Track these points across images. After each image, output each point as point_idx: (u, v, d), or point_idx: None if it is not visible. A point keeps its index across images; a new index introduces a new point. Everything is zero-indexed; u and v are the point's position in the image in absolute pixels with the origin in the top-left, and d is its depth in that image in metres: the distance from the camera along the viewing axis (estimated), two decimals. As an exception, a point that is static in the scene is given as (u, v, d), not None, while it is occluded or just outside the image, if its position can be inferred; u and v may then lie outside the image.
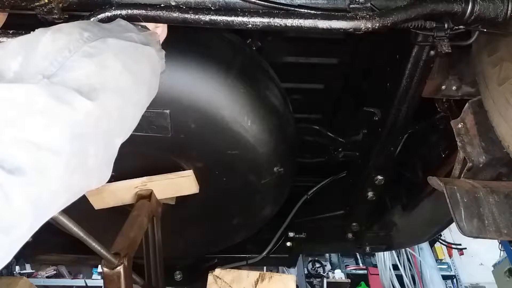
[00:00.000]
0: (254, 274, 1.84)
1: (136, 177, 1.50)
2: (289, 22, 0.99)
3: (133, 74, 0.86)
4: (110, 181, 1.49)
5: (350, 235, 2.16)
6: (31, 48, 0.75)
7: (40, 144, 0.65)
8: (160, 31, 1.09)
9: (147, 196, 1.49)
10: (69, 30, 0.81)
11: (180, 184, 1.49)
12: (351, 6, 1.02)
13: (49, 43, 0.76)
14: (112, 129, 0.80)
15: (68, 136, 0.68)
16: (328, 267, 4.94)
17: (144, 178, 1.50)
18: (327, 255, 4.97)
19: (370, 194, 1.84)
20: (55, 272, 4.77)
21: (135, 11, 1.00)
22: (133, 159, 1.41)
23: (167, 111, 1.27)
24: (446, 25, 1.11)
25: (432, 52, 1.25)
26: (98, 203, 1.54)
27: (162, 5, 1.01)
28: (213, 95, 1.29)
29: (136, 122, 0.91)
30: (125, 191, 1.51)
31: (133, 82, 0.86)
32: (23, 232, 0.63)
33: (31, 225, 0.65)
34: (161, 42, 1.07)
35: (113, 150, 0.83)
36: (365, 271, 4.96)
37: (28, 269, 4.68)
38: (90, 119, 0.73)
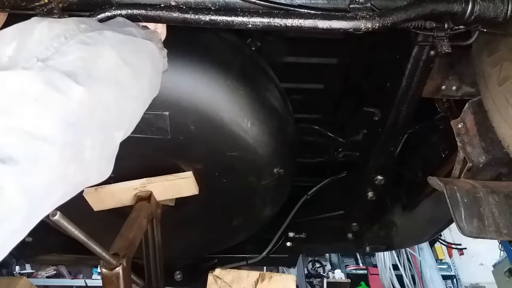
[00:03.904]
0: (254, 274, 1.84)
1: (135, 179, 1.50)
2: (289, 22, 0.99)
3: (132, 67, 0.85)
4: (109, 182, 1.50)
5: (350, 235, 2.16)
6: (26, 34, 0.75)
7: (34, 133, 0.64)
8: (160, 31, 1.09)
9: (147, 197, 1.48)
10: (66, 21, 0.81)
11: (179, 185, 1.48)
12: (351, 6, 1.02)
13: (45, 30, 0.76)
14: (110, 122, 0.79)
15: (62, 124, 0.67)
16: (328, 267, 4.94)
17: (144, 180, 1.49)
18: (327, 255, 4.97)
19: (370, 194, 1.83)
20: (55, 272, 4.78)
21: (135, 11, 0.99)
22: (132, 161, 1.41)
23: (166, 113, 1.27)
24: (446, 25, 1.11)
25: (432, 52, 1.24)
26: (97, 205, 1.54)
27: (162, 5, 1.01)
28: (213, 96, 1.29)
29: (137, 117, 0.91)
30: (124, 193, 1.50)
31: (132, 75, 0.85)
32: (16, 224, 0.62)
33: (26, 217, 0.63)
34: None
35: (113, 144, 0.82)
36: (365, 271, 4.96)
37: (28, 269, 4.68)
38: (84, 107, 0.72)
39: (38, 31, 0.75)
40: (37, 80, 0.67)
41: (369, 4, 1.02)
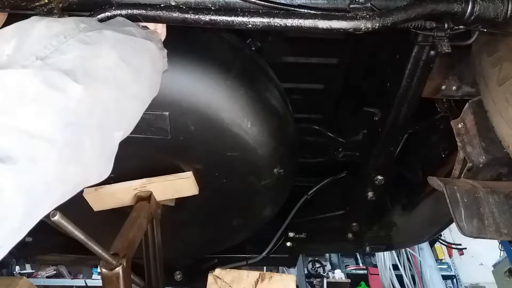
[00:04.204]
0: (254, 274, 1.83)
1: (135, 179, 1.50)
2: (289, 22, 0.99)
3: (131, 66, 0.85)
4: (109, 182, 1.50)
5: (350, 235, 2.16)
6: (25, 33, 0.75)
7: (33, 133, 0.63)
8: (160, 32, 1.09)
9: (147, 197, 1.48)
10: (65, 21, 0.81)
11: (179, 185, 1.48)
12: (351, 6, 1.02)
13: (44, 29, 0.76)
14: (109, 121, 0.79)
15: (61, 124, 0.67)
16: (328, 267, 4.94)
17: (144, 180, 1.49)
18: (327, 255, 4.97)
19: (370, 194, 1.83)
20: (55, 272, 4.77)
21: (135, 11, 0.99)
22: (132, 161, 1.41)
23: (166, 113, 1.27)
24: (446, 25, 1.11)
25: (432, 52, 1.24)
26: (97, 205, 1.54)
27: (162, 5, 1.01)
28: (213, 96, 1.28)
29: (137, 117, 0.90)
30: (124, 193, 1.50)
31: (131, 74, 0.85)
32: (15, 223, 0.61)
33: (25, 217, 0.63)
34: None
35: (112, 144, 0.82)
36: (365, 271, 4.96)
37: (28, 269, 4.68)
38: (83, 106, 0.71)
39: (37, 30, 0.75)
40: (35, 79, 0.67)
41: (369, 4, 1.02)
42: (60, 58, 0.72)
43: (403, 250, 4.62)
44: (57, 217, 0.97)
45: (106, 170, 0.82)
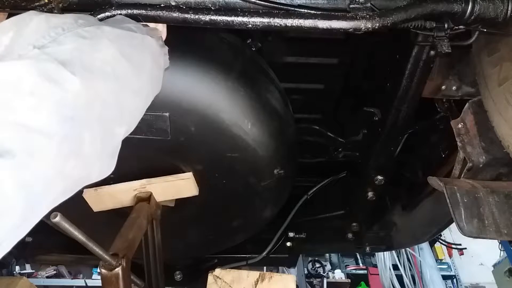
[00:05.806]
0: (254, 274, 1.84)
1: (135, 180, 1.49)
2: (289, 22, 0.99)
3: (131, 61, 0.84)
4: (109, 183, 1.50)
5: (350, 235, 2.16)
6: (23, 25, 0.74)
7: (30, 127, 0.62)
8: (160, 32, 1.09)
9: (147, 198, 1.48)
10: (64, 16, 0.80)
11: (179, 186, 1.48)
12: (351, 6, 1.02)
13: (43, 22, 0.75)
14: (110, 116, 0.78)
15: (59, 118, 0.66)
16: (328, 267, 4.95)
17: (144, 181, 1.49)
18: (327, 255, 4.97)
19: (370, 194, 1.84)
20: (55, 272, 4.77)
21: (135, 11, 0.99)
22: (132, 162, 1.40)
23: (166, 114, 1.26)
24: (446, 25, 1.11)
25: (432, 52, 1.25)
26: (97, 206, 1.54)
27: (162, 5, 1.01)
28: (213, 97, 1.28)
29: (139, 113, 0.90)
30: (124, 194, 1.50)
31: (131, 69, 0.84)
32: (15, 219, 0.60)
33: (25, 213, 0.62)
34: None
35: (115, 140, 0.81)
36: (365, 271, 4.96)
37: (28, 269, 4.68)
38: (81, 100, 0.71)
39: (36, 22, 0.75)
40: (33, 71, 0.66)
41: (369, 4, 1.02)
42: (58, 48, 0.71)
43: (403, 250, 4.62)
44: (57, 218, 0.97)
45: (108, 167, 0.81)
